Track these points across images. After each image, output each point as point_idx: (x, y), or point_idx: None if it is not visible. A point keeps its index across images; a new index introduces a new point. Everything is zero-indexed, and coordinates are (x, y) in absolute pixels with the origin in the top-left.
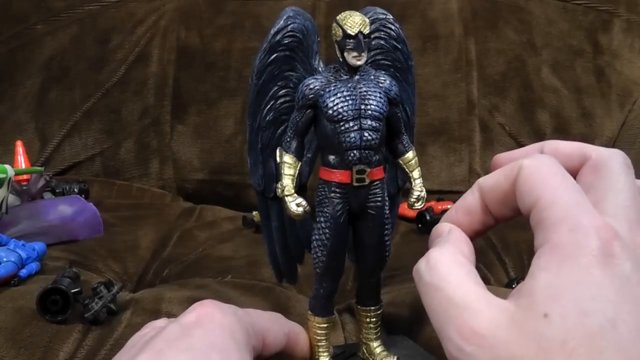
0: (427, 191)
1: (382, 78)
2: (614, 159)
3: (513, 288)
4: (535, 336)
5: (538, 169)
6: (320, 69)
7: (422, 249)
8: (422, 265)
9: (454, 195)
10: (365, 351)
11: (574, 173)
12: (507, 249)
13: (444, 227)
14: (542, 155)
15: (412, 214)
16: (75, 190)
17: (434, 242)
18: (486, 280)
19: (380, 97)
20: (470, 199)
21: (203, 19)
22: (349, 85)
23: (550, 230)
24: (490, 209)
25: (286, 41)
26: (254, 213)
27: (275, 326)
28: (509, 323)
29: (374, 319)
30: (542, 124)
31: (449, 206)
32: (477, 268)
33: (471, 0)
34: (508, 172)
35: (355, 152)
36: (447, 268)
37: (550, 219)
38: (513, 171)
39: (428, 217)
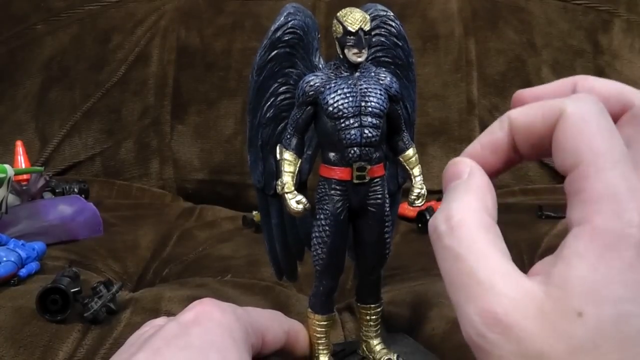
0: (427, 191)
1: (383, 75)
2: None
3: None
4: (566, 335)
5: (583, 121)
6: (320, 65)
7: (422, 248)
8: (440, 222)
9: None
10: (365, 349)
11: (612, 119)
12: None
13: (463, 165)
14: (589, 98)
15: (412, 213)
16: (75, 190)
17: (451, 183)
18: None
19: (380, 94)
20: (499, 135)
21: (203, 19)
22: (350, 82)
23: (592, 209)
24: (519, 147)
25: (287, 38)
26: (254, 213)
27: (274, 324)
28: (537, 315)
29: (374, 317)
30: None
31: None
32: None
33: (471, 0)
34: (547, 113)
35: (355, 149)
36: (472, 233)
37: (592, 192)
38: (553, 114)
39: (428, 217)
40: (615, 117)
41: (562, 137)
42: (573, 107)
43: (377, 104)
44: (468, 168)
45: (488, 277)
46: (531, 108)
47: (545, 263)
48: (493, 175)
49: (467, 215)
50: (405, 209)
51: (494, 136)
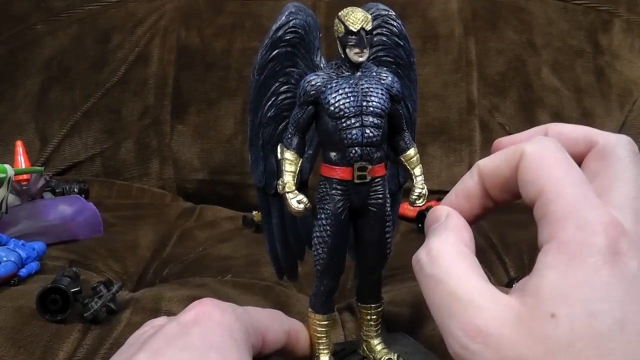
0: (428, 191)
1: (384, 75)
2: (622, 146)
3: (513, 287)
4: (542, 337)
5: (541, 157)
6: (322, 65)
7: None
8: (422, 255)
9: None
10: (365, 348)
11: (580, 159)
12: (507, 248)
13: (441, 210)
14: (546, 139)
15: (412, 213)
16: (75, 190)
17: (431, 227)
18: None
19: (382, 94)
20: (470, 183)
21: (203, 19)
22: (351, 81)
23: (556, 227)
24: (490, 193)
25: (288, 37)
26: (254, 213)
27: (275, 324)
28: (514, 322)
29: (375, 317)
30: (542, 124)
31: None
32: None
33: (471, 0)
34: (510, 157)
35: (356, 149)
36: (450, 260)
37: (555, 213)
38: (515, 156)
39: None
40: (583, 156)
41: (523, 172)
42: (531, 147)
43: (378, 104)
44: (445, 212)
45: (467, 295)
46: (496, 155)
47: (520, 282)
48: (472, 220)
49: (444, 247)
50: (406, 209)
51: (466, 184)
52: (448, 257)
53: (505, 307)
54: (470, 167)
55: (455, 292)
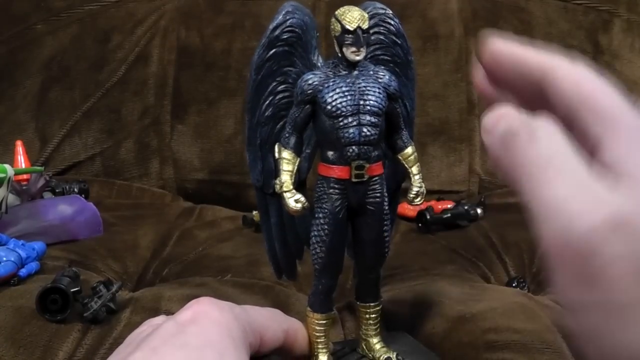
0: (427, 191)
1: (382, 73)
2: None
3: (513, 287)
4: None
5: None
6: (319, 64)
7: (422, 248)
8: (525, 126)
9: (454, 195)
10: (364, 347)
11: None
12: (507, 248)
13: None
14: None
15: (412, 213)
16: (75, 190)
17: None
18: (486, 280)
19: (379, 93)
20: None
21: (203, 19)
22: (348, 80)
23: (617, 120)
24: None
25: (285, 36)
26: (254, 212)
27: (273, 323)
28: (615, 240)
29: (374, 315)
30: None
31: (449, 206)
32: (477, 267)
33: (471, 0)
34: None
35: (354, 147)
36: (556, 144)
37: (617, 115)
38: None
39: (428, 216)
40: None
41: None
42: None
43: (375, 102)
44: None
45: (566, 197)
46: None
47: (616, 188)
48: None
49: (550, 126)
50: (405, 209)
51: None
52: (555, 139)
53: (608, 221)
54: (470, 167)
55: (557, 189)
